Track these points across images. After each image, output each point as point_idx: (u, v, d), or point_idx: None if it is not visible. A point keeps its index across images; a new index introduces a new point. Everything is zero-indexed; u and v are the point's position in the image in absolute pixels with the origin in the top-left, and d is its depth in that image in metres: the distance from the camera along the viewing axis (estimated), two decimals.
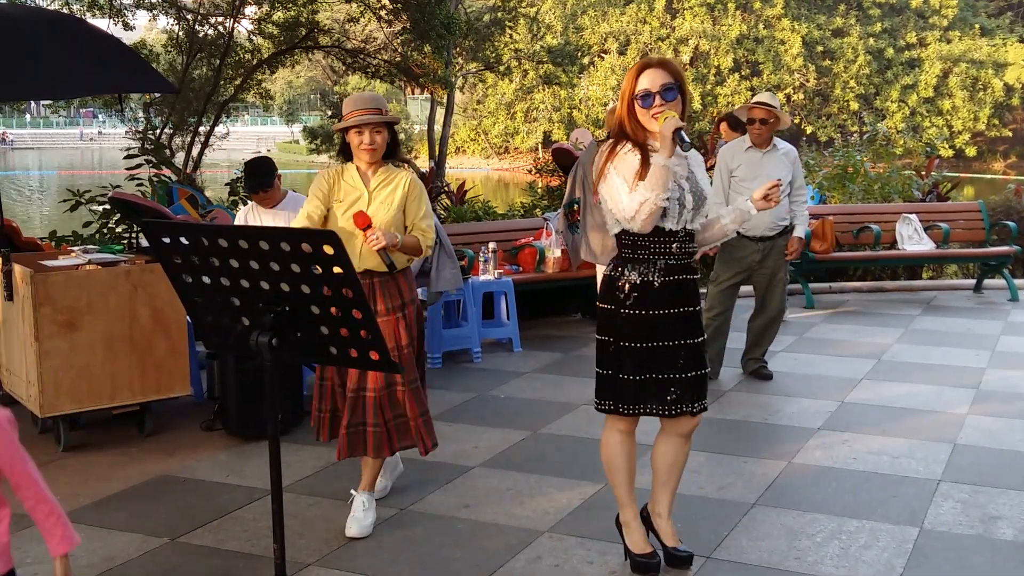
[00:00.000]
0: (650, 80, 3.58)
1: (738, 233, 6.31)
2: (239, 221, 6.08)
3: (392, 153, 4.33)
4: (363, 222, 4.02)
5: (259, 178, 5.77)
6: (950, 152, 44.15)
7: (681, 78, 3.64)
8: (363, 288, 4.08)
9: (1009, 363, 7.17)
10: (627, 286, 3.68)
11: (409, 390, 4.25)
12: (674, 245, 3.65)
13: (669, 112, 3.53)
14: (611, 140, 3.78)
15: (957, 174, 15.25)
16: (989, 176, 39.99)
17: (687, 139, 3.47)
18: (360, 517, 4.26)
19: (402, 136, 40.09)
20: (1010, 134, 49.22)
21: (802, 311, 9.18)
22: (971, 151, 47.69)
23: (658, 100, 3.56)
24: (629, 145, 3.67)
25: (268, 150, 53.72)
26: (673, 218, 3.62)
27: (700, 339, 3.77)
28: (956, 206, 11.13)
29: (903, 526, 4.29)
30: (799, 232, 6.67)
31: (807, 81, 49.30)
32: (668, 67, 3.62)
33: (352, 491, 4.39)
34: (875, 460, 5.16)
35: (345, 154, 4.32)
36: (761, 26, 49.47)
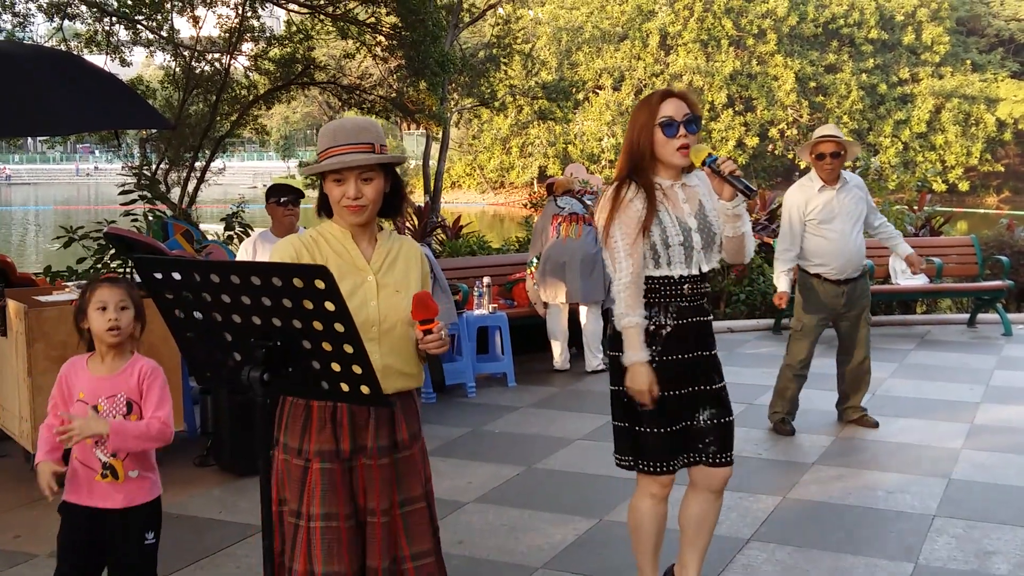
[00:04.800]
0: (673, 109, 3.37)
1: (820, 276, 6.09)
2: (246, 248, 6.11)
3: (395, 208, 2.99)
4: (433, 310, 2.77)
5: (291, 191, 5.97)
6: (943, 187, 44.35)
7: (699, 111, 3.45)
8: (382, 410, 2.83)
9: (1003, 397, 7.17)
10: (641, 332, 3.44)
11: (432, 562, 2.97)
12: (686, 287, 3.43)
13: (704, 149, 3.32)
14: (615, 183, 3.51)
15: (950, 209, 15.29)
16: (982, 211, 40.19)
17: (752, 188, 3.25)
18: None
19: (397, 171, 39.87)
20: (1003, 169, 49.53)
21: None
22: (964, 186, 47.95)
23: (681, 131, 3.35)
24: (632, 189, 3.43)
25: (264, 185, 53.83)
26: (680, 263, 3.41)
27: (720, 384, 3.54)
28: (949, 240, 11.18)
29: (899, 562, 4.27)
30: (905, 248, 6.37)
31: (800, 116, 49.63)
32: (688, 99, 3.42)
33: None
34: (870, 495, 5.14)
35: (325, 210, 2.97)
36: (755, 62, 49.90)
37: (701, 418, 3.50)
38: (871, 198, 6.34)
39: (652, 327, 3.45)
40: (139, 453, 3.26)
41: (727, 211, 3.36)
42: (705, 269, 3.46)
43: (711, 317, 3.60)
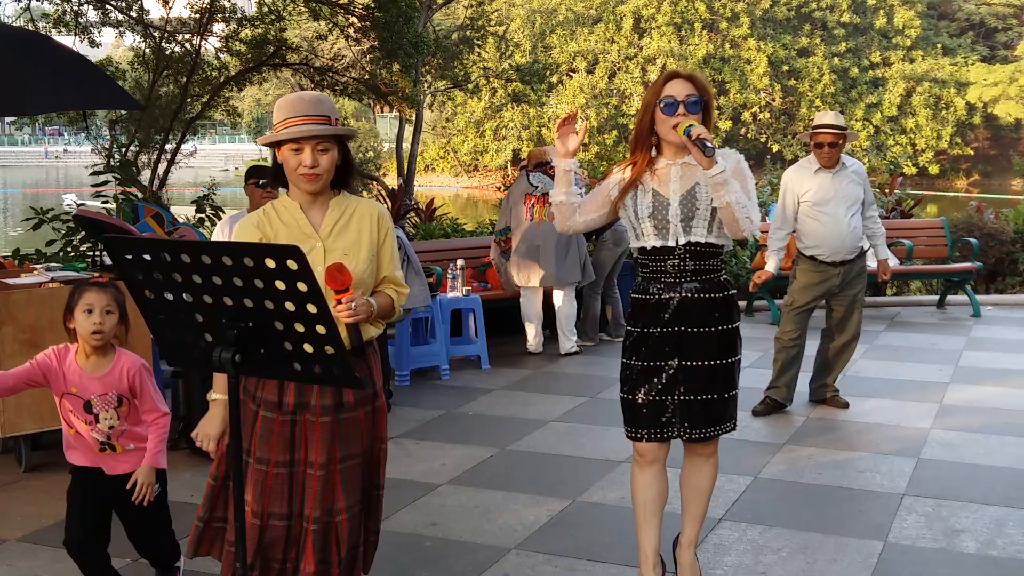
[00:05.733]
0: (676, 89, 3.48)
1: (815, 259, 6.15)
2: (219, 232, 6.06)
3: (343, 180, 3.15)
4: (341, 282, 2.88)
5: (269, 174, 5.85)
6: (913, 170, 44.72)
7: (707, 93, 3.54)
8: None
9: (972, 378, 7.25)
10: (634, 305, 3.64)
11: (369, 501, 3.30)
12: (669, 263, 3.53)
13: (688, 122, 3.41)
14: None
15: (920, 192, 15.43)
16: (952, 194, 40.56)
17: (710, 145, 3.33)
18: None
19: (371, 154, 39.64)
20: (972, 152, 49.96)
21: (767, 326, 9.23)
22: (934, 169, 48.34)
23: (681, 109, 3.46)
24: (617, 168, 3.65)
25: (236, 168, 53.46)
26: (652, 235, 3.53)
27: (716, 362, 3.58)
28: (919, 223, 11.27)
29: (868, 540, 4.32)
30: (883, 253, 6.45)
31: (773, 100, 49.81)
32: (695, 80, 3.52)
33: None
34: (840, 475, 5.19)
35: (279, 181, 3.14)
36: (727, 46, 49.98)
37: (685, 392, 3.56)
38: (870, 188, 6.34)
39: (645, 299, 3.59)
40: (134, 433, 3.56)
41: (708, 180, 3.42)
42: (683, 241, 3.51)
43: (721, 295, 3.59)
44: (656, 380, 3.55)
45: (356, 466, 3.16)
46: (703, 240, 3.53)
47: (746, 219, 3.43)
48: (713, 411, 3.60)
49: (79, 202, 8.73)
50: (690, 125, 3.38)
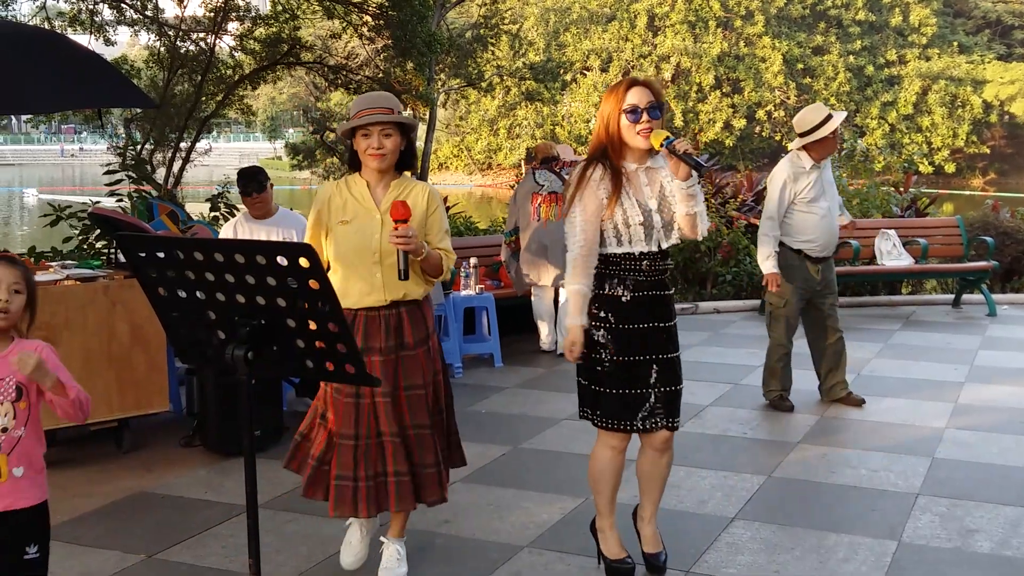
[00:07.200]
0: (638, 97, 3.60)
1: (802, 252, 6.17)
2: (227, 231, 6.13)
3: (406, 163, 3.85)
4: (402, 213, 3.54)
5: (253, 181, 5.94)
6: (929, 168, 44.49)
7: (663, 99, 3.69)
8: (390, 319, 3.70)
9: (987, 377, 7.21)
10: (598, 301, 3.72)
11: (440, 423, 3.90)
12: (644, 263, 3.69)
13: (663, 132, 3.54)
14: (584, 162, 3.77)
15: (936, 190, 15.33)
16: (968, 192, 40.32)
17: (702, 163, 3.49)
18: (393, 566, 3.96)
19: None
20: (988, 151, 49.67)
21: None
22: (950, 167, 48.08)
23: (645, 117, 3.58)
24: (600, 171, 3.67)
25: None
26: (640, 241, 3.66)
27: (674, 354, 3.78)
28: (934, 221, 11.21)
29: (882, 540, 4.30)
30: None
31: (787, 98, 49.62)
32: (652, 87, 3.66)
33: (382, 537, 4.04)
34: (854, 474, 5.17)
35: (353, 164, 3.84)
36: (742, 44, 49.85)
37: (653, 384, 3.74)
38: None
39: (611, 296, 3.72)
40: (28, 450, 2.91)
41: (682, 190, 3.60)
42: (664, 246, 3.73)
43: (671, 291, 3.83)
44: (638, 374, 3.72)
45: (421, 396, 3.77)
46: (675, 243, 3.74)
47: (703, 224, 3.70)
48: (680, 400, 3.82)
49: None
50: (668, 137, 3.50)
